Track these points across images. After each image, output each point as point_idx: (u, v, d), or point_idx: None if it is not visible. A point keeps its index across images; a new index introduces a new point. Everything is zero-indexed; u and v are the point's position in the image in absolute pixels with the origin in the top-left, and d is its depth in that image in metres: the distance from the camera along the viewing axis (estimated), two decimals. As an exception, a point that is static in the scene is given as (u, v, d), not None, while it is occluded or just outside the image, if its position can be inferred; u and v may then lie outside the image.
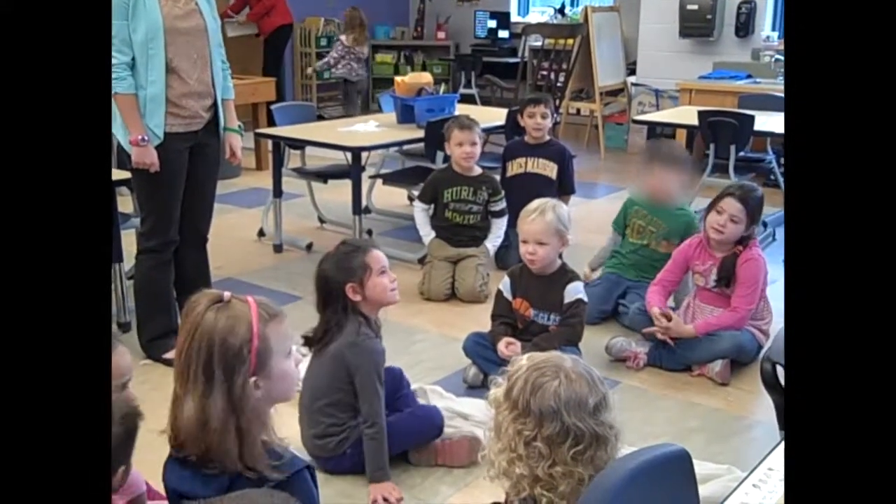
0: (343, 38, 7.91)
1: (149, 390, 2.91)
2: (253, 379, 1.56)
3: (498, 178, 4.44)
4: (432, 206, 4.30)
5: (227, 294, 1.61)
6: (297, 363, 1.69)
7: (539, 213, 3.08)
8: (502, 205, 4.26)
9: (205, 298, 1.61)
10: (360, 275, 2.49)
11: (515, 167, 4.54)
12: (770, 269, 4.35)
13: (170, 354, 3.29)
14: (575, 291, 3.10)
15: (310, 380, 2.56)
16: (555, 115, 5.78)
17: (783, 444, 1.55)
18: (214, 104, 3.24)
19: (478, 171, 4.26)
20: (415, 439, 2.63)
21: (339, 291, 2.48)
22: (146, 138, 3.03)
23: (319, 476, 1.87)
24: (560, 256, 3.18)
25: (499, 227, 4.28)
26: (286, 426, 2.49)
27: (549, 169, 4.49)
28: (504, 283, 3.22)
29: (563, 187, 4.50)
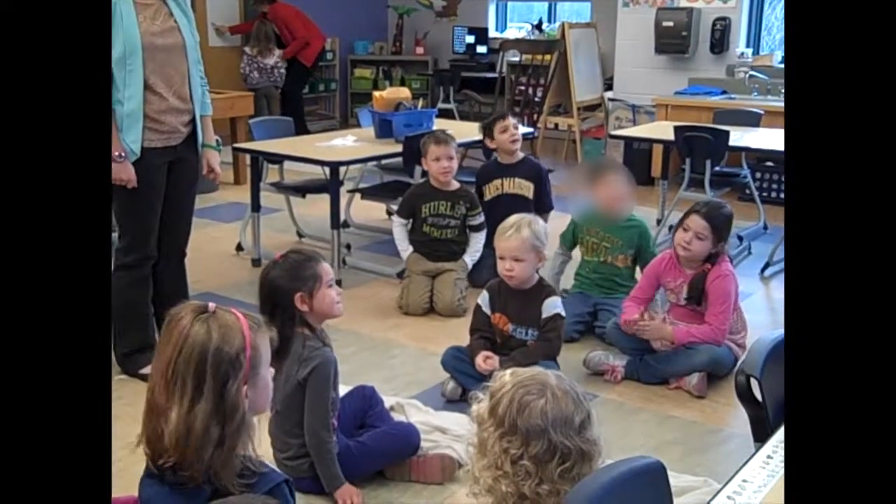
0: (247, 48, 8.12)
1: (124, 405, 2.90)
2: (244, 388, 1.57)
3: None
4: (410, 220, 4.30)
5: (211, 305, 1.61)
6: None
7: (515, 230, 3.09)
8: (480, 219, 4.27)
9: (188, 309, 1.59)
10: (310, 285, 2.43)
11: (492, 190, 4.48)
12: (745, 283, 4.40)
13: (146, 370, 3.26)
14: (553, 306, 3.11)
15: (275, 404, 2.50)
16: (533, 131, 5.79)
17: (757, 455, 1.58)
18: (193, 119, 3.24)
19: (455, 185, 4.26)
20: (391, 457, 2.62)
21: (287, 300, 2.42)
22: (123, 154, 3.02)
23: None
24: (537, 271, 3.19)
25: (477, 242, 4.27)
26: (264, 441, 2.47)
27: (526, 188, 4.46)
28: (482, 298, 3.23)
29: (540, 205, 4.45)
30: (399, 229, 4.29)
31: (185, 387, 1.54)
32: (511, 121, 4.46)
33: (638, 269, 3.88)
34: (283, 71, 8.25)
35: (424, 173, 4.36)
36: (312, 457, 2.45)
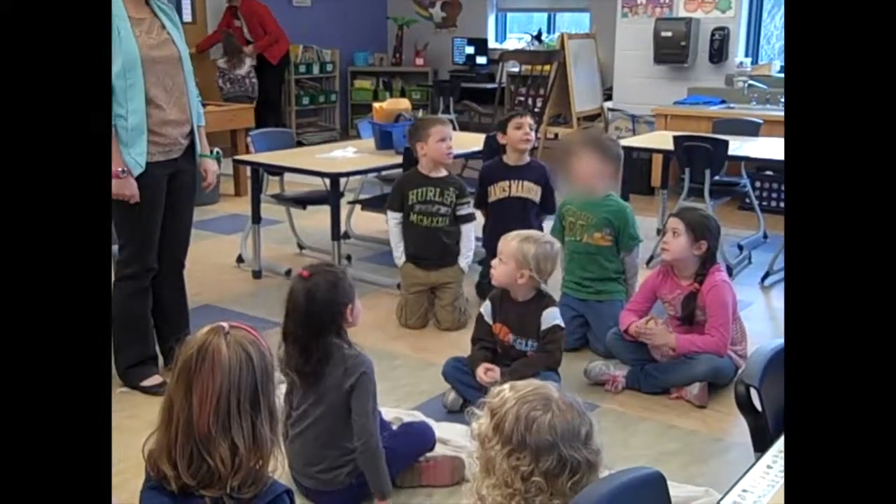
0: (220, 62, 8.21)
1: (125, 418, 2.90)
2: None
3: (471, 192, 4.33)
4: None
5: (225, 324, 1.62)
6: None
7: (514, 237, 3.12)
8: (469, 209, 4.16)
9: (215, 336, 1.59)
10: (351, 296, 2.49)
11: (498, 191, 4.33)
12: (745, 292, 4.40)
13: (147, 382, 3.28)
14: (551, 318, 3.11)
15: (306, 416, 2.51)
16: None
17: (758, 465, 1.58)
18: (192, 131, 3.26)
19: (444, 171, 4.16)
20: (412, 456, 2.64)
21: (336, 314, 2.45)
22: (125, 170, 3.02)
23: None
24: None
25: (468, 235, 4.17)
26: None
27: (534, 192, 4.30)
28: (485, 307, 3.24)
29: (545, 207, 4.32)
30: (395, 230, 4.17)
31: (242, 412, 1.56)
32: (528, 120, 4.31)
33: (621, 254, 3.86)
34: (255, 80, 8.28)
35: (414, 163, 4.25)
36: (365, 461, 2.45)
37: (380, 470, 2.46)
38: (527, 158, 4.38)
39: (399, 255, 4.17)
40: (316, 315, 2.44)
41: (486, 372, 3.07)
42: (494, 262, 3.15)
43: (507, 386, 1.65)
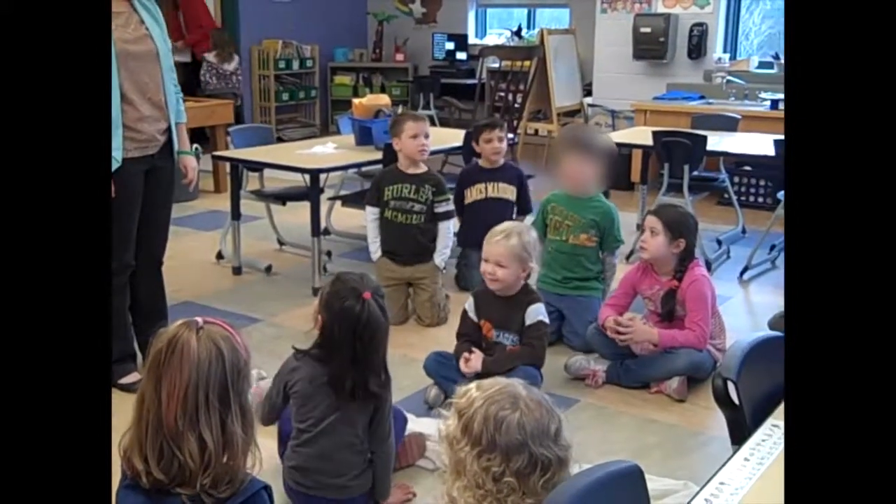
0: (208, 55, 8.17)
1: (104, 416, 2.87)
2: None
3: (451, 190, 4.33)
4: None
5: (199, 319, 1.60)
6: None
7: (504, 237, 3.09)
8: (447, 206, 4.15)
9: (184, 329, 1.58)
10: None
11: (475, 193, 4.44)
12: (724, 287, 4.43)
13: (126, 379, 3.25)
14: (536, 313, 3.10)
15: (330, 428, 2.40)
16: (513, 137, 5.79)
17: (735, 457, 1.59)
18: (169, 128, 3.23)
19: (423, 168, 4.16)
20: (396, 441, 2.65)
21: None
22: None
23: None
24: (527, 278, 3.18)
25: (445, 233, 4.15)
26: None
27: (510, 192, 4.44)
28: (469, 304, 3.23)
29: (521, 208, 4.49)
30: (372, 224, 4.17)
31: (210, 407, 1.54)
32: (496, 133, 4.39)
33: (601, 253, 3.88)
34: (241, 77, 8.23)
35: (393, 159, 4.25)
36: (381, 466, 2.45)
37: (389, 475, 2.50)
38: (500, 162, 4.51)
39: (375, 249, 4.17)
40: (381, 341, 2.38)
41: (465, 362, 3.07)
42: (489, 269, 3.09)
43: (473, 386, 1.63)
